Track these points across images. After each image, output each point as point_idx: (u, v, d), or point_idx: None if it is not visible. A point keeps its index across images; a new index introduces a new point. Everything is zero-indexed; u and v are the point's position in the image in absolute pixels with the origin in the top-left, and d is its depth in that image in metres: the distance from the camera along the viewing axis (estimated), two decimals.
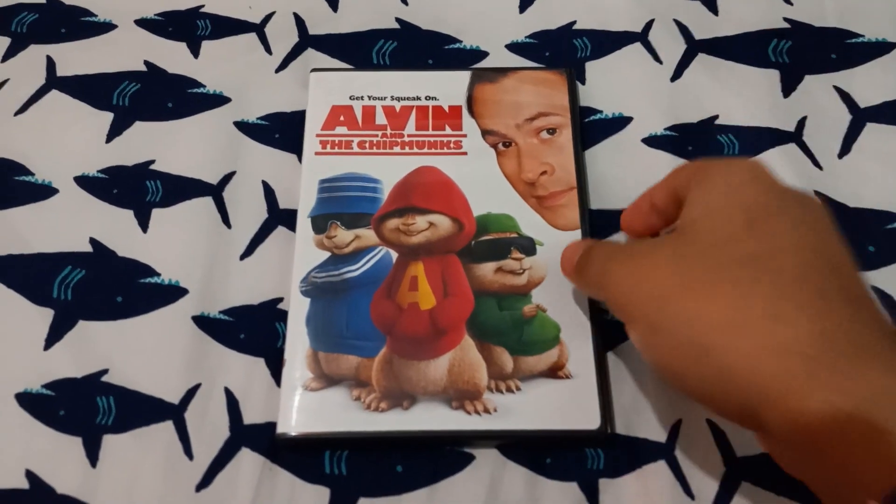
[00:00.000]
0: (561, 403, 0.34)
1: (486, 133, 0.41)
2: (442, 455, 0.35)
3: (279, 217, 0.41)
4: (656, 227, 0.34)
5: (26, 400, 0.37)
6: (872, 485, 0.21)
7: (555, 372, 0.35)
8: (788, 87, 0.43)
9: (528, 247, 0.38)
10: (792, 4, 0.46)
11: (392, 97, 0.42)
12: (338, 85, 0.43)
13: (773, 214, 0.25)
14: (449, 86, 0.43)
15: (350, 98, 0.42)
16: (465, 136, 0.41)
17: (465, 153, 0.40)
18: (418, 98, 0.42)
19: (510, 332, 0.36)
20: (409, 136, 0.41)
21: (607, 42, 0.46)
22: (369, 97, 0.42)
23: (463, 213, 0.39)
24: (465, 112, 0.42)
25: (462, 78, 0.43)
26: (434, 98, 0.42)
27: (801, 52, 0.44)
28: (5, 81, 0.46)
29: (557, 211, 0.39)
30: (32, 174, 0.43)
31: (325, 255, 0.38)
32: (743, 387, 0.23)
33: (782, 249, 0.25)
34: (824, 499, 0.25)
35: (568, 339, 0.36)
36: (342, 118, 0.42)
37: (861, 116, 0.42)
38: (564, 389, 0.35)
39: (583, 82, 0.44)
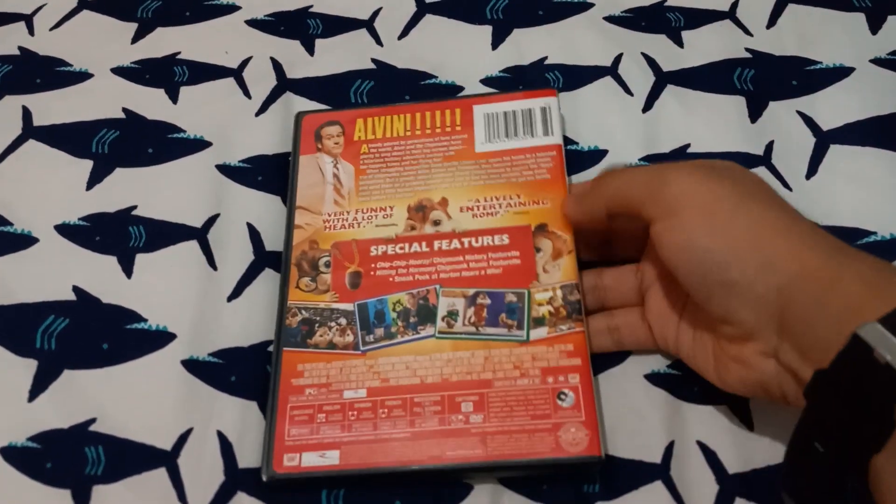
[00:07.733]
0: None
1: None
2: (441, 487, 0.35)
3: (266, 259, 0.41)
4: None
5: (11, 454, 0.36)
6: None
7: None
8: (755, 114, 0.45)
9: None
10: (752, 35, 0.48)
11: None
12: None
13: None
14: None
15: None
16: None
17: None
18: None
19: None
20: None
21: (579, 75, 0.47)
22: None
23: None
24: None
25: None
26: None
27: (764, 79, 0.46)
28: None
29: None
30: (11, 224, 0.42)
31: None
32: (780, 263, 0.29)
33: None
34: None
35: None
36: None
37: (825, 139, 0.43)
38: None
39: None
